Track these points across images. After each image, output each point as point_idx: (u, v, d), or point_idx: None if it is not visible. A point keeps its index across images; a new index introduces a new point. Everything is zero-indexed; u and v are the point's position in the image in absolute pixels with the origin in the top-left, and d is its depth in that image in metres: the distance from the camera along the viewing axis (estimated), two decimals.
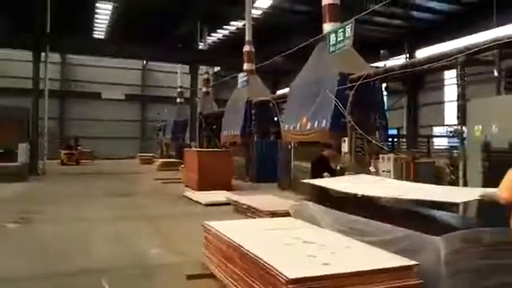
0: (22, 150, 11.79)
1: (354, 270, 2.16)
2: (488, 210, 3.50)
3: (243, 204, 6.18)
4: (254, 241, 2.78)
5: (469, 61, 5.08)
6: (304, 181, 4.70)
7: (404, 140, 11.67)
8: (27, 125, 12.80)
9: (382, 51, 15.24)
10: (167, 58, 18.97)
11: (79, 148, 19.77)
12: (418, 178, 5.64)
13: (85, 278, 3.40)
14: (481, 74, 7.77)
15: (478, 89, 6.41)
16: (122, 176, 13.53)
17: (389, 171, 5.95)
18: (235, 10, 14.87)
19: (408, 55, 16.25)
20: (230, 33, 19.03)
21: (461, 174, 4.84)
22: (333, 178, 4.74)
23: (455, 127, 5.16)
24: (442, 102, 15.72)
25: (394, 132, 11.95)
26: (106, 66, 24.50)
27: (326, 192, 3.90)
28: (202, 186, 8.77)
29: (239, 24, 16.98)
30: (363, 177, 4.63)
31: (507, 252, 2.42)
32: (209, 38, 19.48)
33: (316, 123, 7.73)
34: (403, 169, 5.89)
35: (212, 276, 3.19)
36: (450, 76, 13.88)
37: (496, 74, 4.73)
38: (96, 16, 18.14)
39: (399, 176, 5.81)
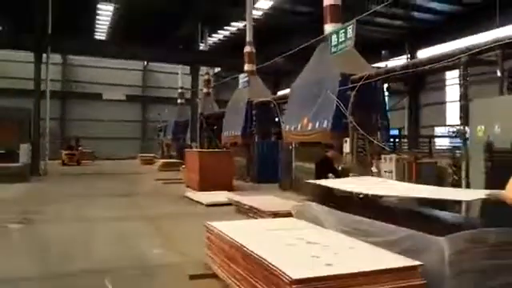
0: (24, 150, 11.82)
1: (358, 270, 2.15)
2: (491, 210, 3.49)
3: (245, 204, 6.17)
4: (256, 241, 2.78)
5: (471, 61, 5.07)
6: (309, 181, 4.69)
7: (405, 140, 11.65)
8: (29, 125, 12.83)
9: (383, 52, 15.23)
10: (168, 59, 19.01)
11: (80, 148, 19.80)
12: (420, 178, 5.63)
13: (87, 278, 3.39)
14: (483, 74, 7.75)
15: (480, 89, 6.40)
16: (122, 176, 13.54)
17: (391, 172, 5.94)
18: (236, 10, 14.90)
19: (409, 56, 16.25)
20: (231, 34, 19.06)
21: (463, 174, 4.83)
22: (337, 180, 4.74)
23: (458, 127, 5.15)
24: (443, 103, 15.71)
25: (396, 132, 11.94)
26: (106, 66, 24.56)
27: (330, 193, 3.89)
28: (203, 187, 8.77)
29: (240, 25, 17.00)
30: (367, 178, 4.63)
31: None
32: (209, 38, 19.52)
33: (317, 124, 7.72)
34: (405, 169, 5.88)
35: (215, 276, 3.18)
36: (452, 76, 13.91)
37: (499, 74, 4.71)
38: (97, 17, 18.20)
39: (401, 176, 5.80)
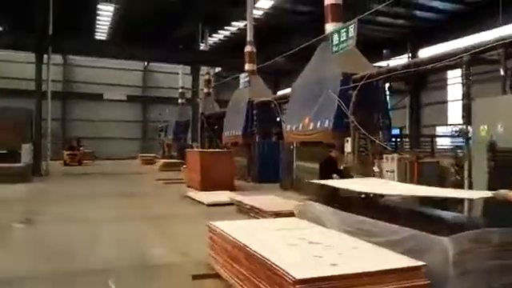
0: (26, 150, 11.85)
1: (362, 270, 2.14)
2: (494, 210, 3.48)
3: (246, 204, 6.17)
4: (259, 241, 2.77)
5: (474, 60, 5.05)
6: (313, 181, 4.69)
7: (407, 140, 11.62)
8: (30, 126, 12.85)
9: (384, 51, 15.19)
10: (168, 59, 19.01)
11: (82, 149, 19.84)
12: (422, 177, 5.62)
13: (90, 278, 3.40)
14: (486, 73, 7.72)
15: (482, 88, 6.37)
16: (124, 176, 13.55)
17: (393, 171, 5.93)
18: (236, 10, 14.88)
19: (411, 55, 16.22)
20: (231, 33, 19.05)
21: (466, 173, 4.81)
22: (342, 180, 4.73)
23: (460, 127, 5.13)
24: (444, 102, 15.66)
25: (397, 132, 11.91)
26: (107, 67, 24.58)
27: (333, 193, 3.89)
28: (205, 187, 8.77)
29: (240, 24, 16.99)
30: (371, 179, 4.62)
31: None
32: (210, 38, 19.51)
33: (319, 123, 7.71)
34: (407, 169, 5.86)
35: (217, 276, 3.18)
36: (453, 75, 13.86)
37: (502, 73, 4.69)
38: (98, 18, 18.20)
39: (403, 176, 5.78)
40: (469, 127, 4.86)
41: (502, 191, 2.43)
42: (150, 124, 26.62)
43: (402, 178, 5.70)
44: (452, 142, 11.87)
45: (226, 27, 18.58)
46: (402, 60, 15.27)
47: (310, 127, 7.99)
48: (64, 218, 6.14)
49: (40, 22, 13.35)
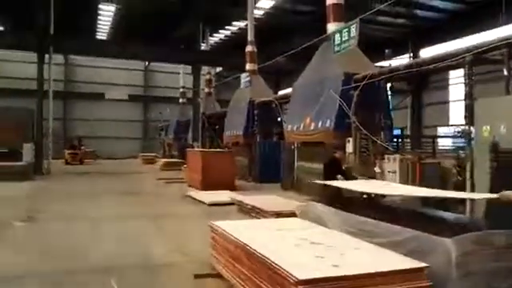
0: (27, 149, 11.89)
1: (364, 271, 2.14)
2: (496, 212, 3.46)
3: (247, 204, 6.16)
4: (261, 241, 2.77)
5: (476, 60, 5.02)
6: (317, 182, 4.69)
7: (408, 140, 11.60)
8: (32, 125, 12.89)
9: (386, 51, 15.16)
10: (170, 59, 19.03)
11: (83, 148, 19.89)
12: (424, 178, 5.59)
13: (91, 276, 3.40)
14: (488, 73, 7.69)
15: (485, 88, 6.35)
16: (124, 175, 13.57)
17: (394, 172, 5.91)
18: (237, 10, 14.87)
19: (412, 54, 16.18)
20: (232, 33, 19.04)
21: (468, 174, 4.79)
22: (346, 182, 4.73)
23: (463, 127, 5.11)
24: (446, 102, 15.61)
25: (398, 132, 11.88)
26: (108, 66, 24.62)
27: (336, 193, 3.88)
28: (205, 186, 8.78)
29: (241, 24, 16.98)
30: (375, 182, 4.61)
31: None
32: (211, 38, 19.50)
33: (320, 123, 7.70)
34: (409, 169, 5.84)
35: (219, 276, 3.18)
36: (455, 75, 13.81)
37: (505, 73, 4.66)
38: (99, 17, 18.22)
39: (405, 177, 5.76)
40: (471, 128, 4.83)
41: (507, 192, 2.41)
42: (150, 123, 26.65)
43: (404, 179, 5.68)
44: (453, 143, 11.84)
45: (226, 27, 18.57)
46: (403, 60, 15.24)
47: (312, 127, 7.97)
48: (65, 216, 6.15)
49: (41, 22, 13.38)
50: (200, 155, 9.92)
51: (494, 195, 2.63)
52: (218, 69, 22.70)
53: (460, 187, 5.04)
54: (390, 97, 8.66)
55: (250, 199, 6.44)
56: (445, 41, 14.15)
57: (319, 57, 8.90)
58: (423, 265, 2.28)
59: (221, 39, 20.39)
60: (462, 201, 4.58)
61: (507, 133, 4.14)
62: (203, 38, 17.73)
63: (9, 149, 11.68)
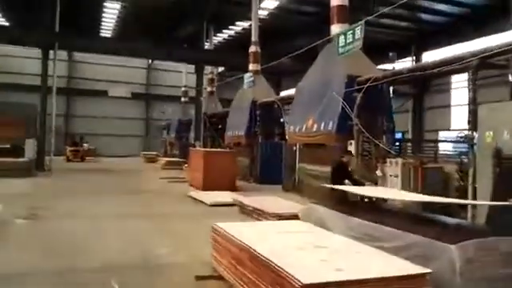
0: (29, 145, 11.89)
1: (368, 276, 2.14)
2: (499, 218, 3.46)
3: (249, 205, 6.17)
4: (264, 243, 2.77)
5: (481, 64, 5.01)
6: (326, 186, 4.69)
7: (409, 144, 11.58)
8: (34, 121, 12.91)
9: (390, 54, 15.13)
10: (173, 58, 19.00)
11: (85, 145, 19.89)
12: (426, 183, 5.58)
13: (92, 275, 3.41)
14: (490, 77, 7.67)
15: (488, 93, 6.33)
16: (126, 174, 13.58)
17: (396, 176, 5.90)
18: (241, 10, 14.87)
19: (415, 57, 16.16)
20: (236, 33, 19.04)
21: (470, 180, 4.78)
22: (355, 187, 4.73)
23: (466, 132, 5.10)
24: (447, 106, 15.58)
25: (399, 136, 11.86)
26: (111, 64, 24.61)
27: (343, 198, 3.87)
28: (207, 186, 8.78)
29: (245, 24, 16.98)
30: (383, 188, 4.59)
31: None
32: (214, 38, 19.51)
33: (322, 125, 7.69)
34: (411, 174, 5.83)
35: (220, 278, 3.18)
36: (457, 79, 13.79)
37: (511, 78, 4.65)
38: (104, 15, 18.25)
39: (407, 181, 5.75)
40: (474, 133, 4.82)
41: None
42: (152, 122, 26.67)
43: (406, 183, 5.67)
44: (454, 148, 11.80)
45: (230, 27, 18.58)
46: (406, 63, 15.22)
47: (314, 129, 7.97)
48: (68, 214, 6.16)
49: (47, 19, 13.40)
50: (202, 155, 9.92)
51: (507, 203, 2.63)
52: (220, 68, 22.71)
53: (462, 192, 5.03)
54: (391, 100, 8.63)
55: (252, 200, 6.44)
56: (448, 45, 14.14)
57: (323, 58, 8.89)
58: (426, 270, 2.28)
59: (224, 39, 20.39)
60: (464, 206, 4.57)
61: (510, 139, 4.14)
62: (207, 37, 17.73)
63: (11, 145, 11.70)
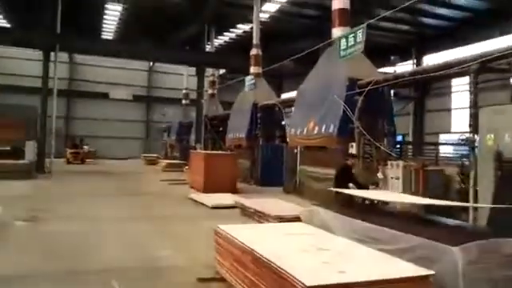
0: (30, 147, 11.89)
1: (371, 278, 2.14)
2: (499, 219, 3.46)
3: (250, 207, 6.16)
4: (266, 245, 2.77)
5: (482, 68, 5.03)
6: (331, 189, 4.71)
7: (410, 147, 11.59)
8: (35, 123, 12.93)
9: (392, 57, 15.20)
10: (174, 60, 19.10)
11: (85, 147, 19.90)
12: (427, 185, 5.59)
13: (93, 277, 3.40)
14: (491, 81, 7.70)
15: (489, 96, 6.34)
16: (126, 176, 13.58)
17: (398, 178, 5.90)
18: (242, 12, 14.96)
19: (415, 61, 16.23)
20: (237, 36, 19.14)
21: (471, 182, 4.79)
22: (359, 191, 4.73)
23: (467, 135, 5.11)
24: (448, 109, 15.61)
25: (400, 138, 11.87)
26: (112, 66, 24.72)
27: (347, 201, 3.87)
28: (208, 189, 8.77)
29: (246, 27, 17.07)
30: (386, 192, 4.60)
31: None
32: (216, 40, 19.62)
33: (323, 128, 7.71)
34: (412, 176, 5.84)
35: (222, 280, 3.18)
36: (457, 83, 13.83)
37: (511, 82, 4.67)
38: (105, 17, 18.37)
39: (409, 183, 5.75)
40: (475, 136, 4.83)
41: None
42: (153, 124, 26.71)
43: (408, 186, 5.67)
44: (455, 150, 11.81)
45: (231, 29, 18.68)
46: (407, 66, 15.27)
47: (315, 132, 7.99)
48: (68, 216, 6.15)
49: (48, 20, 13.48)
50: (203, 157, 9.93)
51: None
52: (222, 71, 22.80)
53: (463, 194, 5.03)
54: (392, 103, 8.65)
55: (253, 203, 6.42)
56: (448, 48, 14.21)
57: (324, 61, 8.93)
58: (430, 272, 2.28)
59: (225, 41, 20.49)
60: (466, 208, 4.57)
61: (511, 142, 4.15)
62: (208, 39, 17.83)
63: (11, 147, 11.70)
